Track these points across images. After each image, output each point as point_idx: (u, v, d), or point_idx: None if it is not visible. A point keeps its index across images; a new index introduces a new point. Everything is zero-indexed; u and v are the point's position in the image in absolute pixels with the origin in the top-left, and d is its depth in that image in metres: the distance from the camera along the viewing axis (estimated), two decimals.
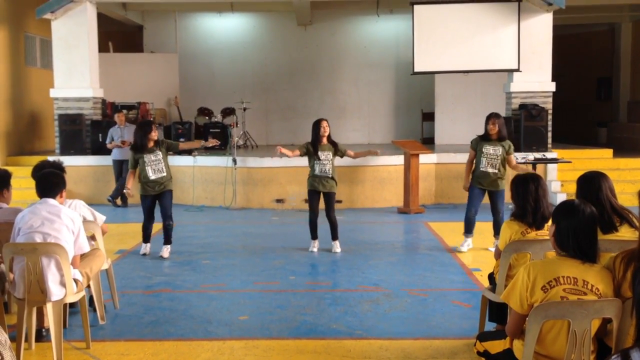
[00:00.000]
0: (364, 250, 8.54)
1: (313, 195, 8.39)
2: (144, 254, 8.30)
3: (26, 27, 14.78)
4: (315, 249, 8.44)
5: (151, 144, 8.08)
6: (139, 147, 8.06)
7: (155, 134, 8.11)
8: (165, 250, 8.24)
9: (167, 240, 8.30)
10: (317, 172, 8.26)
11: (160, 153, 8.12)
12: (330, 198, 8.35)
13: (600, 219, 3.84)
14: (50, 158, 6.02)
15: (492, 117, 8.33)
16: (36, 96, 14.94)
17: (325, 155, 8.22)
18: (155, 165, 8.07)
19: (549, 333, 3.32)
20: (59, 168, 5.62)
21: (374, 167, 12.10)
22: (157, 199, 8.22)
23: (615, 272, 3.36)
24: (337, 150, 8.32)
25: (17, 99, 14.36)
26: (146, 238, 8.37)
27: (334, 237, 8.46)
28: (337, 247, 8.43)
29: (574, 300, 3.26)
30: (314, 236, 8.48)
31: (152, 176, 8.04)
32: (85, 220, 5.52)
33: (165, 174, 8.14)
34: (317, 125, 8.27)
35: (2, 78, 13.79)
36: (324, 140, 8.24)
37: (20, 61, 14.62)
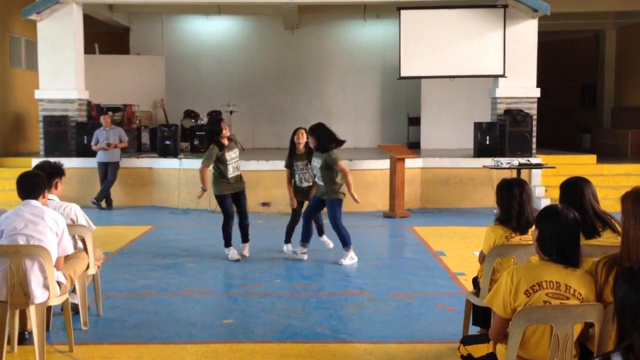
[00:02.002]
0: None
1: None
2: (238, 260, 8.08)
3: (11, 27, 14.69)
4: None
5: (225, 141, 8.03)
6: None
7: (227, 131, 8.04)
8: (246, 248, 8.28)
9: (247, 238, 8.30)
10: (297, 181, 8.23)
11: (237, 150, 8.18)
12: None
13: (583, 224, 3.87)
14: (51, 159, 5.98)
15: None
16: (21, 97, 14.85)
17: (303, 164, 8.18)
18: (235, 163, 8.08)
19: (532, 337, 3.34)
20: (58, 169, 5.60)
21: (359, 171, 12.11)
22: (234, 198, 8.17)
23: (598, 276, 3.39)
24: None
25: (1, 100, 14.26)
26: (230, 241, 8.19)
27: (321, 233, 8.46)
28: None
29: (557, 304, 3.29)
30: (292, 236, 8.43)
31: (231, 174, 8.01)
32: (76, 224, 5.49)
33: (239, 173, 8.16)
34: (293, 134, 8.31)
35: None
36: (301, 147, 8.22)
37: (5, 62, 14.53)
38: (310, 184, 8.19)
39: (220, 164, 7.96)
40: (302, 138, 8.20)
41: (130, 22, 18.01)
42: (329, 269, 7.74)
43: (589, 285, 3.36)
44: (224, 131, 7.96)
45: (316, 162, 7.87)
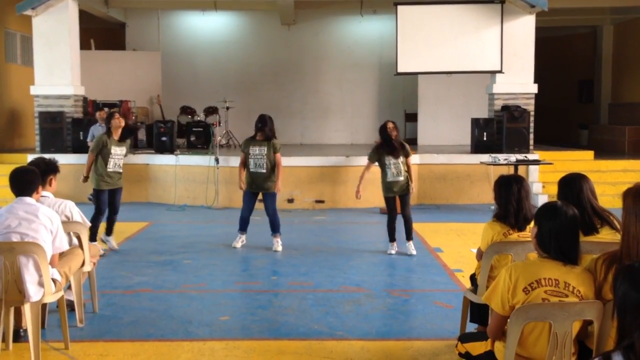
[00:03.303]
0: (346, 251, 8.53)
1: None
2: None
3: (7, 23, 14.61)
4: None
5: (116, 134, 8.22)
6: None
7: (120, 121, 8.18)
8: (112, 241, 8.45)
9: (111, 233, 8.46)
10: (389, 176, 8.20)
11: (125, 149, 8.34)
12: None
13: (582, 221, 3.84)
14: (47, 156, 5.96)
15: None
16: (16, 93, 14.78)
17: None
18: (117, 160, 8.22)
19: (530, 335, 3.32)
20: (53, 166, 5.56)
21: (356, 167, 12.07)
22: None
23: (597, 274, 3.37)
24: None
25: None
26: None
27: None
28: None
29: (555, 302, 3.26)
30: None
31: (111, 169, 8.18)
32: (71, 221, 5.46)
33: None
34: (384, 127, 8.24)
35: None
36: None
37: (1, 58, 14.46)
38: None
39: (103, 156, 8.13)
40: (395, 131, 8.17)
41: (126, 17, 17.94)
42: (325, 265, 7.72)
43: (588, 282, 3.34)
44: (114, 120, 8.13)
45: (261, 150, 8.33)
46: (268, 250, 8.49)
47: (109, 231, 8.39)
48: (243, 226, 8.64)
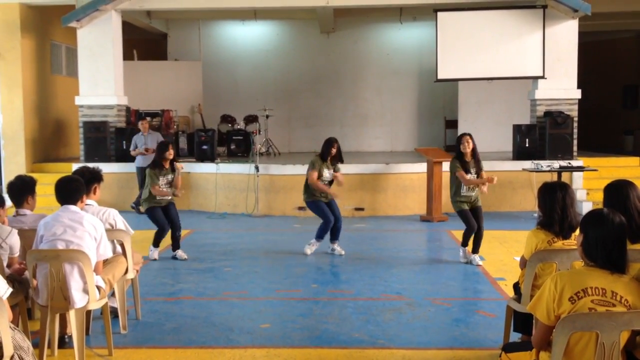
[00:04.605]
0: (387, 259, 8.49)
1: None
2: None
3: (52, 35, 14.95)
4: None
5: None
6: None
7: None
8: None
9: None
10: (464, 190, 7.96)
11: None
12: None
13: (629, 229, 3.75)
14: (91, 165, 6.09)
15: None
16: (61, 104, 15.10)
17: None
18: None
19: (577, 345, 3.24)
20: (97, 175, 5.67)
21: (396, 174, 12.05)
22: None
23: None
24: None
25: (43, 106, 14.52)
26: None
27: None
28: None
29: (603, 311, 3.19)
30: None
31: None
32: (115, 229, 5.55)
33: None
34: (458, 141, 8.13)
35: (29, 86, 13.95)
36: (469, 155, 8.01)
37: (47, 69, 14.79)
38: (474, 193, 8.06)
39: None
40: (470, 145, 7.99)
41: (168, 28, 18.21)
42: (366, 273, 7.69)
43: (636, 291, 3.26)
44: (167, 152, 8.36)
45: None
46: (308, 257, 8.49)
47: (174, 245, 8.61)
48: (324, 234, 8.63)
